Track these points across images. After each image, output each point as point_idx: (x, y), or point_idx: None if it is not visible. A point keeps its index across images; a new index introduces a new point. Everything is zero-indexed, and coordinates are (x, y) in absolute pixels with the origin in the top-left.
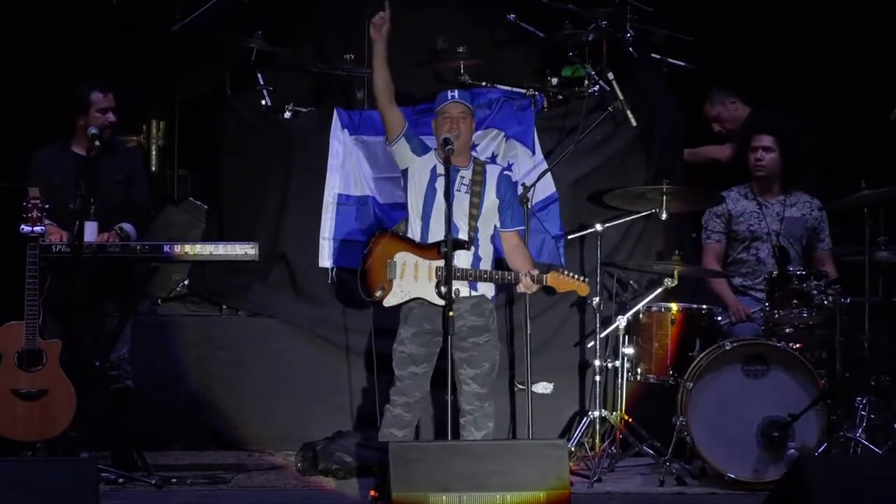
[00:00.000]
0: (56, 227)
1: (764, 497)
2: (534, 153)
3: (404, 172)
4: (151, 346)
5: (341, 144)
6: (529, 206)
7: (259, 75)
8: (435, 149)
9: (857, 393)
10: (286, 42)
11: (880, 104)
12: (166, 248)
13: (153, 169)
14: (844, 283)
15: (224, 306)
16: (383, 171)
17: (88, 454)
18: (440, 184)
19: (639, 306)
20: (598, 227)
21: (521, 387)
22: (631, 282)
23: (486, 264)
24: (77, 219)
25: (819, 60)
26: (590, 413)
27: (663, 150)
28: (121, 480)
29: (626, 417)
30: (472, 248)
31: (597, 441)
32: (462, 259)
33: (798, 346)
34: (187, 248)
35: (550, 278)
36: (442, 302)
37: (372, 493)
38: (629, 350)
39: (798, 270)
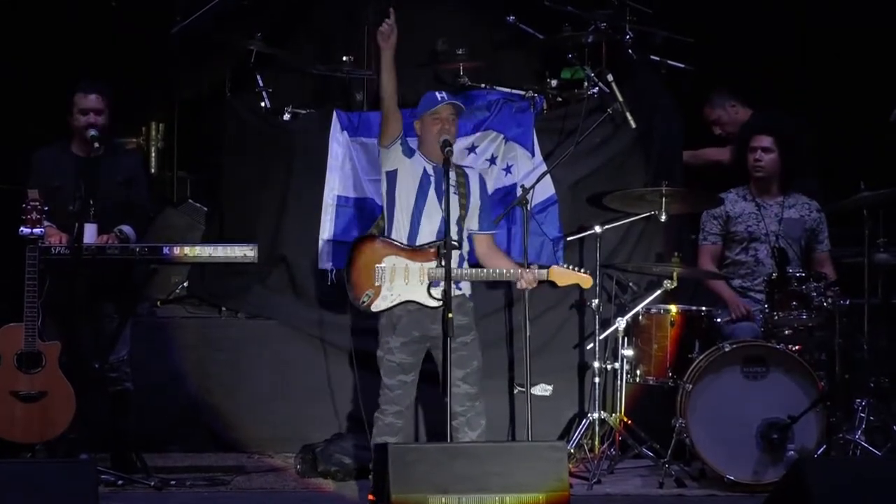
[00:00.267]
0: (55, 228)
1: (763, 499)
2: (533, 155)
3: (391, 174)
4: (151, 348)
5: (341, 146)
6: (529, 207)
7: (258, 77)
8: (418, 150)
9: (857, 395)
10: (286, 44)
11: (880, 105)
12: (165, 250)
13: (153, 171)
14: (844, 285)
15: (223, 308)
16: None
17: (88, 456)
18: (432, 185)
19: (638, 308)
20: (598, 228)
21: (520, 389)
22: (630, 284)
23: (466, 264)
24: (76, 221)
25: (819, 61)
26: (589, 415)
27: (662, 152)
28: (120, 482)
29: (626, 419)
30: (460, 249)
31: (596, 443)
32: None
33: (797, 347)
34: (186, 250)
35: (552, 273)
36: (434, 304)
37: (370, 496)
38: (628, 352)
39: (797, 272)
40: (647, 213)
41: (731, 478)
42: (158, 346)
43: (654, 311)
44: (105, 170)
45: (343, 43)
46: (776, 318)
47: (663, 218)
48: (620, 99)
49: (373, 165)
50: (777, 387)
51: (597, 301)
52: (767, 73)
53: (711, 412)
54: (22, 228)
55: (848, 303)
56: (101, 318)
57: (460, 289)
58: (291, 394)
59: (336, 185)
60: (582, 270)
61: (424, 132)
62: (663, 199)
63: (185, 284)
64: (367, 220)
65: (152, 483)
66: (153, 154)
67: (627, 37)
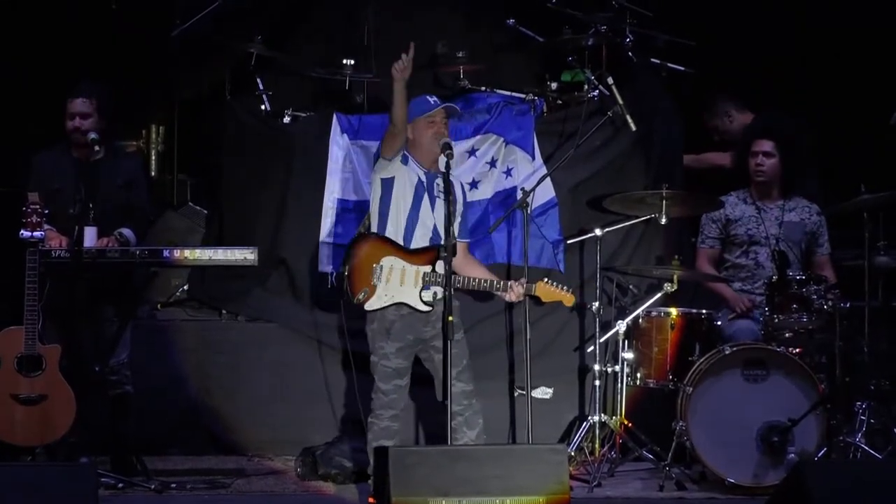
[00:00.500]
0: (55, 232)
1: (764, 502)
2: (533, 158)
3: (387, 181)
4: (151, 351)
5: (341, 149)
6: (529, 210)
7: (258, 80)
8: (410, 156)
9: (857, 397)
10: (286, 46)
11: (881, 106)
12: (166, 254)
13: (153, 174)
14: (844, 288)
15: (223, 311)
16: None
17: (88, 459)
18: (425, 192)
19: (638, 311)
20: (598, 231)
21: (520, 391)
22: (630, 286)
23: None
24: (76, 224)
25: (819, 61)
26: (589, 418)
27: (663, 155)
28: (120, 485)
29: (626, 422)
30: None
31: (596, 446)
32: (440, 265)
33: (798, 350)
34: (186, 253)
35: (538, 288)
36: (425, 308)
37: (371, 499)
38: (629, 355)
39: (797, 275)
40: (648, 216)
41: (732, 480)
42: (158, 349)
43: (654, 313)
44: (105, 173)
45: (343, 46)
46: (776, 320)
47: (663, 221)
48: (620, 102)
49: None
50: (777, 389)
51: (597, 304)
52: (768, 75)
53: (712, 415)
54: (22, 232)
55: (848, 305)
56: (102, 322)
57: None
58: (291, 396)
59: (336, 188)
60: (566, 289)
61: (418, 136)
62: (663, 202)
63: (185, 287)
64: None
65: (152, 486)
66: (153, 157)
67: (628, 40)
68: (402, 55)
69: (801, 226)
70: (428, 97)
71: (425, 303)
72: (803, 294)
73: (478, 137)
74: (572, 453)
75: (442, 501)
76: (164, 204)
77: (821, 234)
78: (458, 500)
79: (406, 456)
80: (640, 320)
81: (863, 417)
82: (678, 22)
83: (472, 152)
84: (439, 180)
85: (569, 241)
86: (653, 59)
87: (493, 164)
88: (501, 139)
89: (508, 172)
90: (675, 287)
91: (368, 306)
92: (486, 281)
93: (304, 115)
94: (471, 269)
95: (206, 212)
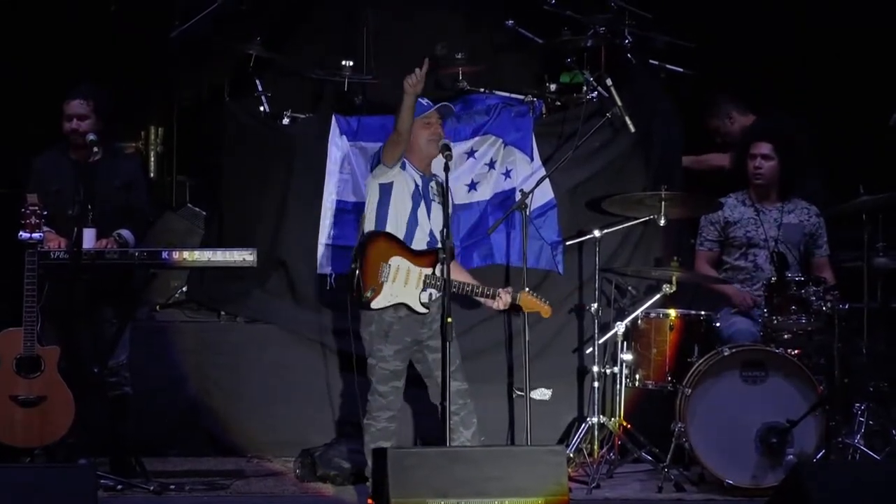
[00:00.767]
0: (54, 233)
1: (762, 503)
2: (532, 159)
3: (386, 186)
4: (150, 352)
5: (340, 151)
6: (528, 212)
7: (258, 81)
8: (406, 160)
9: (856, 399)
10: (285, 48)
11: (882, 107)
12: (165, 255)
13: (152, 175)
14: (843, 289)
15: (222, 312)
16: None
17: (87, 461)
18: (421, 195)
19: (637, 312)
20: (597, 233)
21: (519, 393)
22: (629, 288)
23: None
24: (75, 225)
25: (819, 62)
26: (588, 419)
27: (662, 157)
28: (119, 487)
29: (625, 423)
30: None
31: (595, 447)
32: (438, 268)
33: (796, 352)
34: (186, 254)
35: (521, 299)
36: (423, 310)
37: (369, 501)
38: (627, 356)
39: (796, 276)
40: (647, 218)
41: (731, 482)
42: (158, 350)
43: (653, 315)
44: (104, 174)
45: (342, 47)
46: (775, 322)
47: (662, 222)
48: (619, 103)
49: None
50: (776, 391)
51: (596, 305)
52: (768, 75)
53: (710, 416)
54: (21, 233)
55: (847, 307)
56: (101, 323)
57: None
58: (291, 398)
59: (335, 189)
60: (545, 301)
61: (413, 138)
62: (662, 204)
63: (185, 289)
64: None
65: (151, 487)
66: (152, 158)
67: (627, 41)
68: (416, 70)
69: (799, 227)
70: (421, 100)
71: (423, 304)
72: (802, 295)
73: (476, 139)
74: (571, 455)
75: (441, 503)
76: (163, 205)
77: (820, 235)
78: (457, 502)
79: (405, 457)
80: (639, 322)
81: (861, 419)
82: (677, 23)
83: (470, 153)
84: (433, 183)
85: (568, 243)
86: (652, 61)
87: (491, 165)
88: (500, 140)
89: (507, 174)
90: (674, 288)
91: (375, 304)
92: (477, 287)
93: (302, 116)
94: (458, 274)
95: (205, 213)
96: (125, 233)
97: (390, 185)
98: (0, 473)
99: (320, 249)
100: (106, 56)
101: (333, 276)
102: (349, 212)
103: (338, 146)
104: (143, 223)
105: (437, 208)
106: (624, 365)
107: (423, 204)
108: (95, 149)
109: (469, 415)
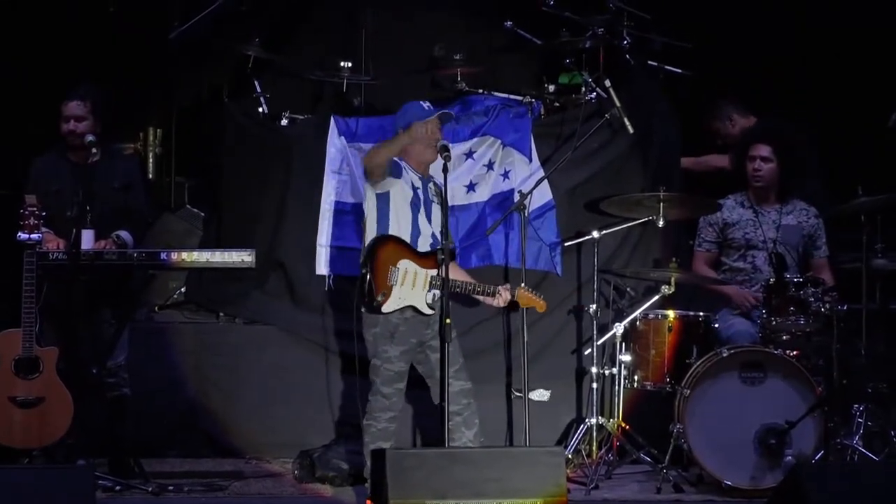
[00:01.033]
0: (53, 234)
1: None
2: (530, 161)
3: (383, 196)
4: (149, 353)
5: (338, 152)
6: (526, 213)
7: (256, 82)
8: (404, 163)
9: (855, 400)
10: (284, 49)
11: (880, 108)
12: (163, 256)
13: (150, 176)
14: (841, 291)
15: (221, 314)
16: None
17: (85, 461)
18: (421, 199)
19: (636, 313)
20: (595, 234)
21: (517, 394)
22: (628, 289)
23: None
24: (74, 226)
25: (819, 62)
26: (587, 420)
27: (660, 158)
28: (118, 488)
29: (624, 425)
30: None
31: (594, 448)
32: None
33: (795, 353)
34: (184, 255)
35: (518, 295)
36: (430, 311)
37: (368, 502)
38: (626, 357)
39: (795, 277)
40: (645, 219)
41: (729, 483)
42: (156, 351)
43: (651, 316)
44: (102, 175)
45: (341, 48)
46: (774, 323)
47: (661, 223)
48: (618, 104)
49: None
50: (775, 392)
51: (594, 306)
52: (767, 76)
53: (709, 418)
54: (20, 234)
55: (846, 308)
56: (99, 324)
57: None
58: (289, 399)
59: (334, 190)
60: (540, 297)
61: (414, 140)
62: (661, 205)
63: (183, 290)
64: None
65: (150, 489)
66: (151, 159)
67: (625, 42)
68: (432, 123)
69: (798, 229)
70: (422, 103)
71: (428, 305)
72: (801, 296)
73: (475, 140)
74: (569, 456)
75: None
76: (162, 206)
77: (818, 236)
78: (456, 503)
79: (403, 458)
80: (638, 323)
81: (860, 420)
82: (676, 24)
83: (469, 154)
84: (432, 184)
85: (566, 244)
86: (650, 62)
87: (490, 166)
88: (499, 141)
89: (506, 175)
90: (673, 289)
91: (385, 308)
92: (478, 286)
93: (301, 117)
94: (456, 274)
95: (203, 214)
96: (124, 234)
97: (387, 194)
98: None
99: (319, 250)
100: (105, 57)
101: (332, 276)
102: (348, 213)
103: (336, 147)
104: (142, 224)
105: (437, 210)
106: (622, 366)
107: (422, 209)
108: (94, 150)
109: (472, 415)
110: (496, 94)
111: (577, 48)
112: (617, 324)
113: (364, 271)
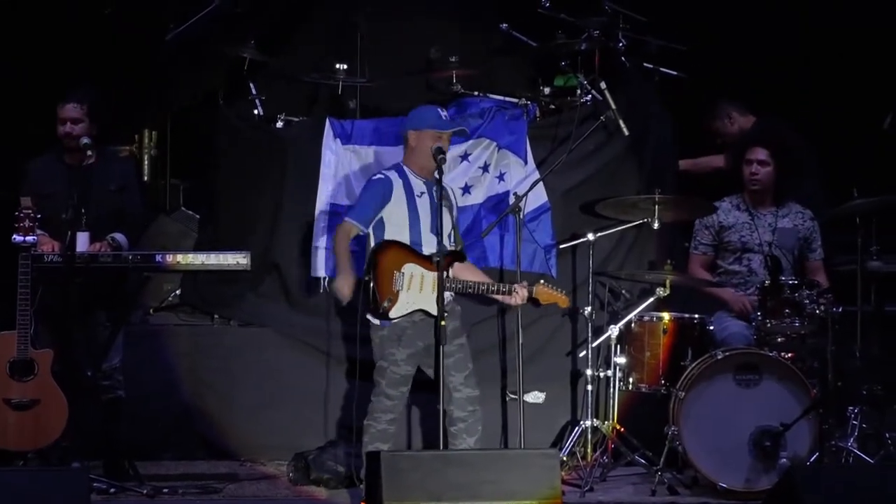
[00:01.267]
0: (48, 237)
1: None
2: (526, 163)
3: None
4: (143, 355)
5: (333, 154)
6: (521, 215)
7: (251, 84)
8: (405, 166)
9: (849, 402)
10: (279, 51)
11: (875, 111)
12: (158, 258)
13: (146, 178)
14: (837, 293)
15: (216, 316)
16: None
17: (80, 464)
18: (427, 201)
19: (631, 316)
20: (591, 236)
21: (512, 396)
22: (623, 291)
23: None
24: (69, 229)
25: (814, 64)
26: (582, 422)
27: (655, 160)
28: (112, 490)
29: (618, 427)
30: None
31: (589, 450)
32: (457, 270)
33: (790, 355)
34: (179, 257)
35: (537, 291)
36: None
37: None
38: (621, 359)
39: (790, 280)
40: (640, 221)
41: (724, 485)
42: (151, 353)
43: (646, 318)
44: (98, 178)
45: (337, 50)
46: (769, 325)
47: (656, 226)
48: (613, 106)
49: (366, 173)
50: (770, 394)
51: (589, 308)
52: (764, 77)
53: (704, 420)
54: (14, 236)
55: (840, 310)
56: (94, 326)
57: (452, 295)
58: (284, 401)
59: (329, 192)
60: (562, 292)
61: (420, 145)
62: (656, 207)
63: (178, 292)
64: None
65: (144, 491)
66: (146, 161)
67: (621, 44)
68: (347, 287)
69: (794, 232)
70: (440, 111)
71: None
72: (796, 299)
73: (470, 142)
74: (564, 458)
75: None
76: (157, 208)
77: (814, 239)
78: None
79: (399, 461)
80: (633, 325)
81: (855, 422)
82: (674, 26)
83: (464, 157)
84: (436, 187)
85: (561, 246)
86: (646, 64)
87: (485, 168)
88: (494, 144)
89: (501, 177)
90: (668, 292)
91: (393, 314)
92: (491, 285)
93: (296, 119)
94: (467, 274)
95: (198, 216)
96: (119, 236)
97: (381, 219)
98: None
99: (315, 252)
100: (100, 59)
101: (327, 279)
102: (343, 215)
103: (332, 149)
104: (138, 227)
105: (446, 212)
106: (617, 368)
107: (428, 213)
108: (89, 152)
109: (475, 422)
110: (492, 96)
111: (573, 50)
112: (612, 326)
113: (367, 278)
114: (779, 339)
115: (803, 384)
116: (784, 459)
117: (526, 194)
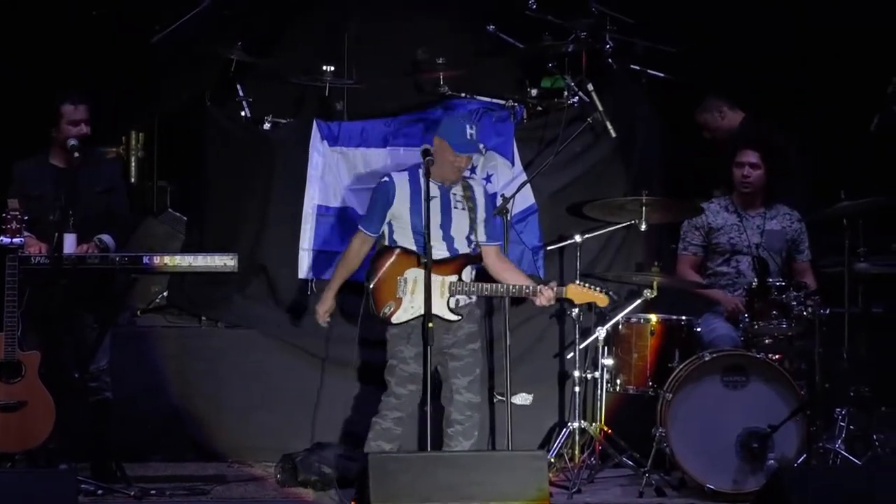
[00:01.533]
0: (35, 238)
1: None
2: (513, 164)
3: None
4: (131, 357)
5: (321, 156)
6: (509, 217)
7: (239, 86)
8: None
9: (837, 404)
10: (266, 53)
11: (863, 113)
12: (146, 260)
13: (132, 180)
14: (824, 294)
15: (203, 317)
16: (363, 182)
17: (68, 466)
18: (439, 204)
19: (618, 317)
20: (578, 238)
21: (500, 398)
22: (610, 293)
23: (466, 277)
24: (56, 230)
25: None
26: (569, 424)
27: (642, 161)
28: (100, 492)
29: (606, 428)
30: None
31: (576, 452)
32: (466, 273)
33: (777, 356)
34: (167, 259)
35: (569, 291)
36: (453, 318)
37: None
38: (609, 361)
39: (777, 281)
40: (628, 223)
41: (711, 487)
42: (139, 355)
43: (634, 320)
44: (85, 179)
45: (324, 53)
46: (756, 327)
47: (643, 227)
48: (600, 108)
49: (353, 175)
50: (757, 396)
51: (577, 310)
52: (754, 77)
53: (691, 421)
54: (1, 238)
55: (828, 312)
56: (81, 328)
57: (471, 298)
58: (272, 403)
59: (316, 194)
60: (599, 290)
61: (440, 153)
62: (643, 209)
63: (165, 294)
64: (347, 229)
65: (132, 492)
66: (133, 163)
67: (608, 46)
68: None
69: (782, 234)
70: (467, 128)
71: (452, 311)
72: (783, 300)
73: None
74: (552, 460)
75: None
76: (145, 210)
77: (801, 240)
78: None
79: (387, 462)
80: (620, 326)
81: (842, 424)
82: (662, 27)
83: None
84: (456, 189)
85: (549, 248)
86: (633, 66)
87: (472, 170)
88: (481, 145)
89: (488, 179)
90: (655, 293)
91: (396, 319)
92: (513, 287)
93: (284, 121)
94: (505, 273)
95: (186, 218)
96: (106, 238)
97: (390, 221)
98: None
99: (301, 254)
100: (88, 60)
101: (314, 280)
102: (330, 216)
103: (319, 151)
104: (126, 228)
105: (459, 216)
106: (605, 370)
107: (440, 211)
108: (76, 154)
109: (472, 427)
110: (479, 97)
111: (560, 52)
112: (599, 328)
113: (368, 284)
114: (766, 341)
115: (791, 386)
116: (771, 461)
117: (513, 196)
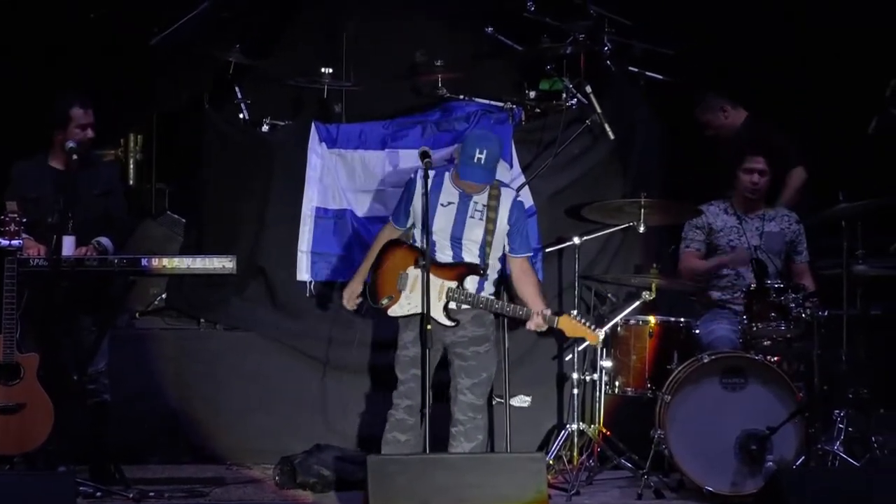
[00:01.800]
0: (33, 240)
1: None
2: (511, 167)
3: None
4: (129, 359)
5: (319, 158)
6: None
7: (237, 89)
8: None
9: (835, 406)
10: (264, 55)
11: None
12: (144, 262)
13: (131, 182)
14: (823, 296)
15: (202, 320)
16: (361, 184)
17: (66, 468)
18: (447, 208)
19: (617, 319)
20: (576, 240)
21: (499, 400)
22: (609, 295)
23: (489, 286)
24: (55, 232)
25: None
26: (568, 426)
27: (641, 163)
28: (98, 494)
29: (605, 430)
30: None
31: (575, 454)
32: (469, 282)
33: (776, 358)
34: (165, 261)
35: (562, 322)
36: (449, 323)
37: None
38: (607, 363)
39: (776, 283)
40: (626, 225)
41: (710, 489)
42: (137, 357)
43: (632, 322)
44: (83, 182)
45: (322, 55)
46: (755, 328)
47: (642, 229)
48: (599, 110)
49: (351, 177)
50: (756, 398)
51: (575, 312)
52: (755, 78)
53: (690, 423)
54: (0, 240)
55: (827, 314)
56: (80, 330)
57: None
58: (270, 405)
59: (314, 196)
60: (592, 327)
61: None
62: (642, 211)
63: (164, 296)
64: (345, 231)
65: (131, 495)
66: (131, 166)
67: (606, 48)
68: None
69: (780, 235)
70: (477, 151)
71: (450, 318)
72: (782, 302)
73: (455, 146)
74: (550, 461)
75: None
76: (143, 212)
77: (799, 241)
78: None
79: (385, 465)
80: (619, 328)
81: (841, 425)
82: (660, 29)
83: (450, 161)
84: (478, 197)
85: (547, 250)
86: (631, 68)
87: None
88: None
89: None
90: (654, 295)
91: (391, 313)
92: (507, 306)
93: (282, 123)
94: (524, 286)
95: (184, 220)
96: (104, 240)
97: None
98: None
99: (300, 256)
100: (86, 63)
101: (312, 282)
102: (328, 219)
103: (317, 153)
104: (124, 231)
105: (475, 225)
106: (603, 372)
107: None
108: (74, 156)
109: (474, 429)
110: (477, 100)
111: (558, 54)
112: (598, 330)
113: (371, 271)
114: (765, 343)
115: (789, 388)
116: (770, 463)
117: None
